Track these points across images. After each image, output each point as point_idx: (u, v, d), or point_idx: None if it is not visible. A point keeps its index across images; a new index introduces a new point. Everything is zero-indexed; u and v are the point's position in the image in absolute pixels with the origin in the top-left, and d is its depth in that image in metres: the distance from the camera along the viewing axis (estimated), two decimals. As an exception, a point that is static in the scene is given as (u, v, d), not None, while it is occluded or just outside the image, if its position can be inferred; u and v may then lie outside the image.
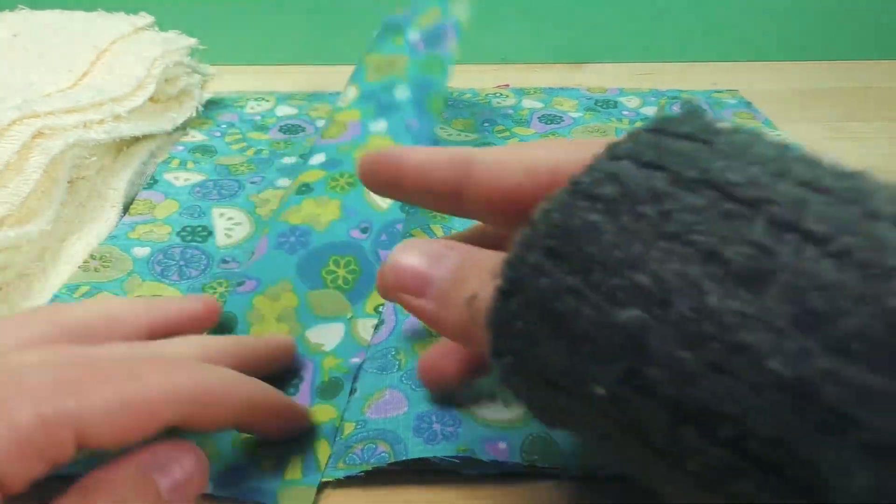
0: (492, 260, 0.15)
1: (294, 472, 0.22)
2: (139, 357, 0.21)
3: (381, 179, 0.21)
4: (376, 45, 0.42)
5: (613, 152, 0.14)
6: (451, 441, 0.23)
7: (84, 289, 0.30)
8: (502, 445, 0.23)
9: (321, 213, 0.31)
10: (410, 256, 0.18)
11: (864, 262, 0.11)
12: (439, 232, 0.35)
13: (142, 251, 0.33)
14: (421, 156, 0.20)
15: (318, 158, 0.35)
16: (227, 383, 0.20)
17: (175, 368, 0.19)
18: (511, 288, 0.14)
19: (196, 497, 0.18)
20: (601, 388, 0.13)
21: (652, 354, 0.12)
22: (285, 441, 0.23)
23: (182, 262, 0.32)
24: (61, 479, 0.17)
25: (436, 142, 0.38)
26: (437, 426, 0.23)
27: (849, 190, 0.12)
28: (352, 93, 0.39)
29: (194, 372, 0.19)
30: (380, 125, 0.36)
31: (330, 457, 0.23)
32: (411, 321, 0.28)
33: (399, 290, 0.18)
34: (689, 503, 0.13)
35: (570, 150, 0.17)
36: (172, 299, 0.26)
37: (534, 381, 0.15)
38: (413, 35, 0.42)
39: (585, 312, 0.13)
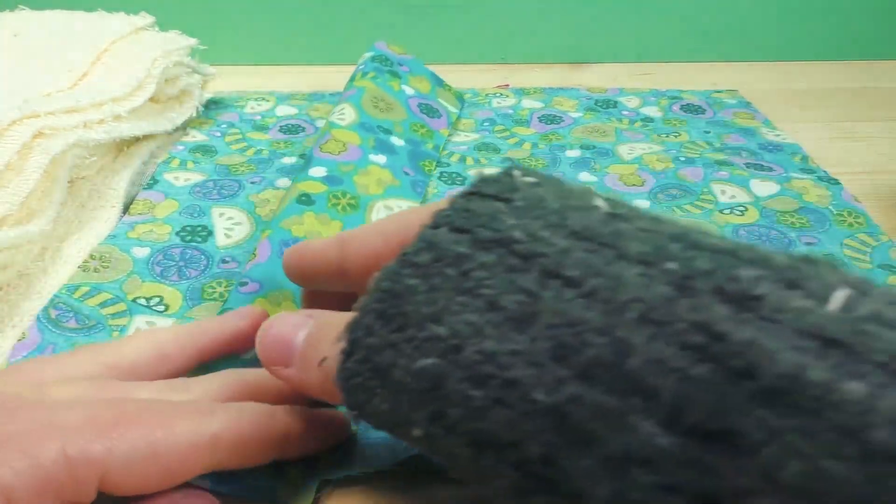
0: (341, 323, 0.17)
1: (294, 471, 0.22)
2: (174, 401, 0.20)
3: (297, 274, 0.23)
4: (372, 71, 0.43)
5: (434, 221, 0.17)
6: None
7: (84, 289, 0.30)
8: None
9: (322, 232, 0.32)
10: (273, 330, 0.19)
11: (606, 299, 0.13)
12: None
13: (141, 251, 0.33)
14: (317, 244, 0.22)
15: (319, 171, 0.35)
16: (262, 423, 0.19)
17: (208, 415, 0.18)
18: (351, 349, 0.16)
19: None
20: (418, 430, 0.15)
21: (450, 395, 0.14)
22: None
23: (182, 263, 0.32)
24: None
25: (426, 188, 0.38)
26: None
27: (610, 234, 0.14)
28: (350, 114, 0.39)
29: (228, 417, 0.19)
30: (379, 157, 0.37)
31: (330, 457, 0.23)
32: None
33: (269, 363, 0.19)
34: None
35: (418, 217, 0.18)
36: (218, 320, 0.25)
37: (379, 428, 0.17)
38: (409, 90, 0.44)
39: (401, 363, 0.15)
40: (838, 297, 0.12)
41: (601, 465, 0.12)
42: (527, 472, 0.13)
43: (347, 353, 0.16)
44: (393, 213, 0.33)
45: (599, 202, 0.15)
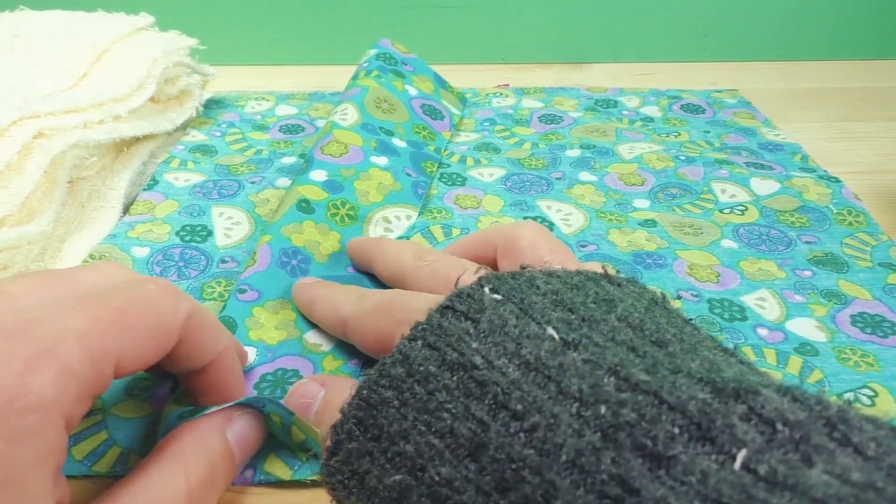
0: (343, 399, 0.19)
1: (300, 426, 0.23)
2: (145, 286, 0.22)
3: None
4: (376, 69, 0.43)
5: (412, 333, 0.18)
6: None
7: (84, 289, 0.30)
8: None
9: (321, 243, 0.32)
10: (292, 400, 0.23)
11: (543, 438, 0.15)
12: (439, 233, 0.35)
13: (141, 251, 0.33)
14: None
15: (319, 175, 0.35)
16: (213, 315, 0.22)
17: (181, 297, 0.20)
18: (334, 449, 0.18)
19: (253, 447, 0.22)
20: None
21: None
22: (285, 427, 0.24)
23: (181, 263, 0.32)
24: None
25: (427, 189, 0.38)
26: None
27: (553, 367, 0.16)
28: (352, 115, 0.39)
29: (191, 300, 0.21)
30: (381, 160, 0.37)
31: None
32: None
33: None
34: None
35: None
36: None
37: None
38: (412, 91, 0.44)
39: (374, 472, 0.17)
40: (741, 456, 0.13)
41: None
42: None
43: (332, 452, 0.18)
44: (390, 235, 0.34)
45: (551, 331, 0.17)
